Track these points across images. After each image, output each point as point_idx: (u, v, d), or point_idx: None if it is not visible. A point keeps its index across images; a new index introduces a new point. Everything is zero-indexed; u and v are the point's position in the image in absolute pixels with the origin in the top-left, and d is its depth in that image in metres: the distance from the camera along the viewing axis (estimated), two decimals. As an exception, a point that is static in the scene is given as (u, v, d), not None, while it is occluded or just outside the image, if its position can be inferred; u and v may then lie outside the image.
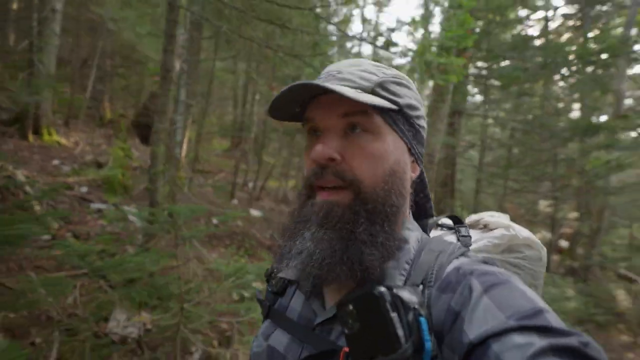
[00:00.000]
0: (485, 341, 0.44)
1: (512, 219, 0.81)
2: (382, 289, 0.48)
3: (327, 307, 0.63)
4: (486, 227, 0.77)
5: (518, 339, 0.42)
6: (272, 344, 0.66)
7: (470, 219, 0.81)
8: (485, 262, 0.57)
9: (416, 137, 0.65)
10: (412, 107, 0.64)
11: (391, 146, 0.60)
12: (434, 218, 0.78)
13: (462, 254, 0.60)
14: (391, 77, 0.63)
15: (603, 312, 6.48)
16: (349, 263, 0.56)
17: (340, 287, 0.62)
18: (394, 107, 0.60)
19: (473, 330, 0.46)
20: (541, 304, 0.47)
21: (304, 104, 0.63)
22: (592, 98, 7.22)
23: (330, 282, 0.59)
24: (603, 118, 8.21)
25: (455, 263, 0.57)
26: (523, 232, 0.75)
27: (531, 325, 0.43)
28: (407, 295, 0.49)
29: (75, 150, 6.67)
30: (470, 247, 0.71)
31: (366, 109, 0.58)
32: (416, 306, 0.48)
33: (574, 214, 9.64)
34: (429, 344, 0.47)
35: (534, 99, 7.39)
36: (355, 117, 0.58)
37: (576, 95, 7.91)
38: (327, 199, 0.58)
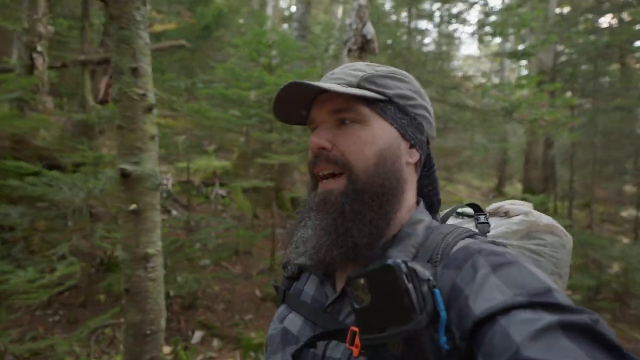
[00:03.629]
0: (492, 317, 0.44)
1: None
2: (398, 260, 0.49)
3: (338, 290, 0.66)
4: (506, 215, 0.76)
5: (526, 314, 0.43)
6: (286, 326, 0.70)
7: (491, 207, 0.80)
8: (493, 242, 0.58)
9: (412, 124, 0.67)
10: (405, 97, 0.66)
11: (378, 132, 0.63)
12: (455, 206, 0.82)
13: (470, 236, 0.61)
14: (382, 72, 0.66)
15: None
16: (340, 242, 0.59)
17: (350, 270, 0.62)
18: (379, 97, 0.64)
19: (480, 306, 0.46)
20: (550, 283, 0.47)
21: (308, 107, 0.68)
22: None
23: (329, 266, 0.62)
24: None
25: (462, 243, 0.58)
26: (544, 218, 0.74)
27: (540, 302, 0.44)
28: (420, 268, 0.50)
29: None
30: (489, 234, 0.71)
31: (351, 105, 0.63)
32: (430, 278, 0.50)
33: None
34: (444, 313, 0.48)
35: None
36: (343, 113, 0.64)
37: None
38: (325, 187, 0.64)
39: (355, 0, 5.32)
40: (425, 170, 0.72)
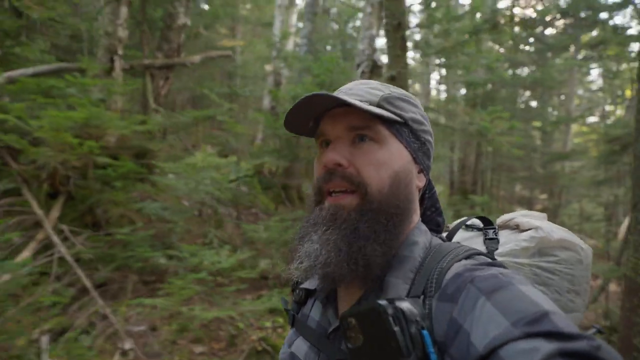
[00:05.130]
0: (493, 351, 0.44)
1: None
2: (384, 302, 0.49)
3: (339, 316, 0.65)
4: (517, 228, 0.75)
5: (524, 344, 0.42)
6: (294, 351, 0.71)
7: (501, 218, 0.78)
8: (489, 263, 0.57)
9: (422, 149, 0.69)
10: (417, 122, 0.68)
11: (395, 154, 0.65)
12: (464, 218, 0.82)
13: (467, 257, 0.60)
14: (397, 94, 0.68)
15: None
16: (353, 260, 0.59)
17: (351, 295, 0.65)
18: (398, 119, 0.65)
19: (481, 341, 0.46)
20: (546, 305, 0.46)
21: (317, 119, 0.68)
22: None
23: (337, 282, 0.61)
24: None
25: (455, 268, 0.57)
26: (556, 233, 0.71)
27: (537, 332, 0.43)
28: (409, 307, 0.50)
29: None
30: (496, 252, 0.70)
31: (370, 124, 0.63)
32: (418, 319, 0.50)
33: (543, 195, 15.24)
34: (434, 356, 0.48)
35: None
36: (362, 130, 0.64)
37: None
38: (335, 202, 0.63)
39: (368, 30, 6.73)
40: (427, 192, 0.74)
